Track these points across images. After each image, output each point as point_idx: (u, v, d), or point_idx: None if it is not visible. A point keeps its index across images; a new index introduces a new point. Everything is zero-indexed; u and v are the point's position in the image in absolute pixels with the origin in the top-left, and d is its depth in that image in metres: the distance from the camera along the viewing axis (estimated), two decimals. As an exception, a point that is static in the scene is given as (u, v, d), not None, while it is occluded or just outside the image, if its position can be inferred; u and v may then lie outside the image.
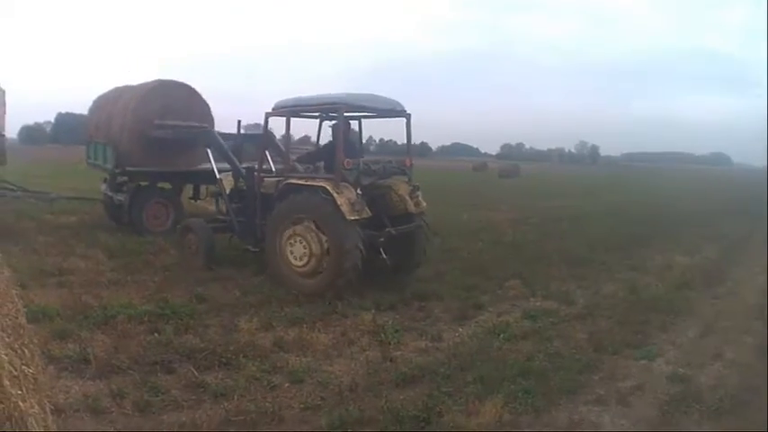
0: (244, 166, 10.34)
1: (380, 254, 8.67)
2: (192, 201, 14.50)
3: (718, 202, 26.70)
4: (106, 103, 13.58)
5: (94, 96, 14.42)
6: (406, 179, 9.18)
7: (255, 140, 11.15)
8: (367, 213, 8.16)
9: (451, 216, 17.30)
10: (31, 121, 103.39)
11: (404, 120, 9.20)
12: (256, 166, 9.63)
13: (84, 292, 7.72)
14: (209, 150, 11.02)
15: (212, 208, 15.79)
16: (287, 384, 5.33)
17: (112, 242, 11.13)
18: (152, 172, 12.74)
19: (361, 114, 9.61)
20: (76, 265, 9.39)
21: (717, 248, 13.79)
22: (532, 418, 4.83)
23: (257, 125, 13.07)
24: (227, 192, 10.36)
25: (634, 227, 16.74)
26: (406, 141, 9.61)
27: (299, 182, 8.61)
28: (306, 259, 8.24)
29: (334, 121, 9.25)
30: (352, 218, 7.94)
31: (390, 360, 6.01)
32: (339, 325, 7.06)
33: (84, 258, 10.00)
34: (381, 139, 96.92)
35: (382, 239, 8.59)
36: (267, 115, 9.33)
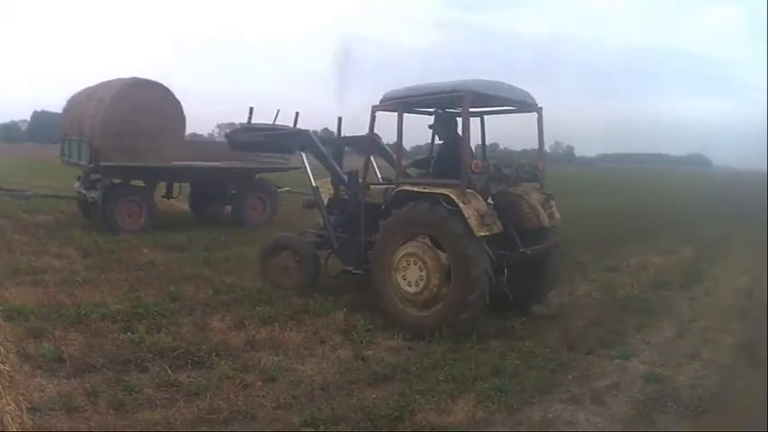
0: (345, 171, 8.50)
1: (503, 278, 7.21)
2: (165, 199, 14.59)
3: (696, 204, 26.73)
4: (80, 101, 13.61)
5: (69, 95, 14.43)
6: (539, 186, 7.79)
7: (357, 142, 9.41)
8: (498, 228, 6.76)
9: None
10: (7, 119, 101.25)
11: (535, 114, 7.76)
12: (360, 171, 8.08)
13: (59, 291, 7.77)
14: (303, 154, 9.14)
15: (184, 207, 15.87)
16: (259, 383, 5.35)
17: (86, 241, 11.14)
18: (125, 168, 12.75)
19: (487, 109, 8.11)
20: (51, 264, 9.40)
21: (693, 250, 13.82)
22: (506, 417, 4.87)
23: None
24: (326, 202, 8.66)
25: (610, 227, 16.65)
26: (537, 140, 7.86)
27: (416, 189, 7.08)
28: (421, 285, 6.80)
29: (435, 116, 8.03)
30: (482, 234, 6.51)
31: (362, 359, 6.01)
32: (311, 324, 7.03)
33: (59, 257, 10.02)
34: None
35: (512, 261, 7.24)
36: (374, 109, 7.65)
